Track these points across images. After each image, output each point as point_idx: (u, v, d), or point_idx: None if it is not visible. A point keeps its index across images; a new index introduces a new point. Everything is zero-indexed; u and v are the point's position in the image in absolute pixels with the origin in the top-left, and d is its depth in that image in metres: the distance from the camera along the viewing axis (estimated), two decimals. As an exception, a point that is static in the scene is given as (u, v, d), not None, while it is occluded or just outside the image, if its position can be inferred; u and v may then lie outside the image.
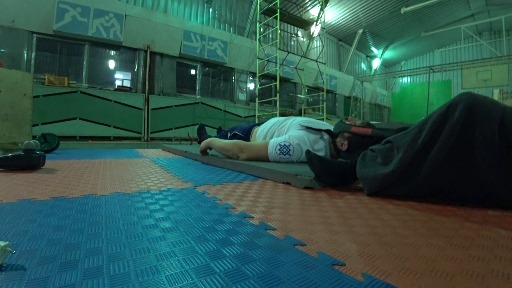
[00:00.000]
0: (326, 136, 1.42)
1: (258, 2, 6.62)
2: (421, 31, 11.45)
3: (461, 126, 0.66)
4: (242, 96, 7.49)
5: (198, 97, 6.65)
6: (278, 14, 6.12)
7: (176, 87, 6.25)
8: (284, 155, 1.36)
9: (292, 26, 8.63)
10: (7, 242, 0.38)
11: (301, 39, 9.39)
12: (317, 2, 8.24)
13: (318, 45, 9.54)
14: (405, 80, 14.55)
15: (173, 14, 6.42)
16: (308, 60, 7.63)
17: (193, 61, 6.57)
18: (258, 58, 6.50)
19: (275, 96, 6.53)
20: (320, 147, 1.39)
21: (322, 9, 7.69)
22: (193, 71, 6.75)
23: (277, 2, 6.10)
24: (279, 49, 6.04)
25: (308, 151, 0.97)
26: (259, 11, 6.63)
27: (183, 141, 4.74)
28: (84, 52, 5.22)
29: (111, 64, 5.65)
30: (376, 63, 13.94)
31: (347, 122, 1.21)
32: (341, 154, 1.23)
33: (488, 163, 0.64)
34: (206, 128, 2.74)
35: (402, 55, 14.19)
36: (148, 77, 5.69)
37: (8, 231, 0.51)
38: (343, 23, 10.17)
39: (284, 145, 1.36)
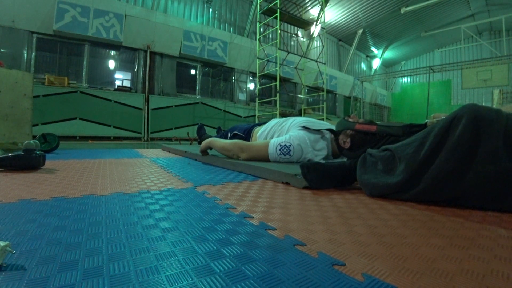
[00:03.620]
0: (327, 135, 1.42)
1: (258, 2, 6.62)
2: (421, 31, 11.45)
3: (465, 141, 0.66)
4: (242, 96, 7.49)
5: (198, 97, 6.65)
6: (278, 14, 6.12)
7: (176, 87, 6.25)
8: (285, 155, 1.36)
9: (292, 26, 8.63)
10: (7, 242, 0.38)
11: (301, 39, 9.39)
12: (317, 2, 8.24)
13: (318, 45, 9.54)
14: (405, 80, 14.55)
15: (173, 14, 6.42)
16: (308, 60, 7.63)
17: (193, 61, 6.57)
18: (258, 58, 6.50)
19: (275, 96, 6.53)
20: (322, 147, 1.39)
21: (322, 9, 7.69)
22: (193, 71, 6.75)
23: (277, 2, 6.10)
24: (279, 49, 6.04)
25: (301, 166, 0.95)
26: (259, 11, 6.63)
27: (183, 141, 4.74)
28: (84, 52, 5.22)
29: (111, 64, 5.65)
30: (376, 63, 13.94)
31: (350, 119, 1.21)
32: (343, 152, 1.23)
33: (493, 176, 0.64)
34: (206, 128, 2.74)
35: (402, 55, 14.19)
36: (148, 77, 5.69)
37: (8, 231, 0.51)
38: (343, 23, 10.17)
39: (285, 145, 1.36)
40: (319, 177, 0.94)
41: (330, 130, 1.33)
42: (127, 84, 5.66)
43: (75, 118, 4.80)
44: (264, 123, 1.81)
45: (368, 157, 0.90)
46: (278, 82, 5.92)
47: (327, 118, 7.35)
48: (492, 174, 0.64)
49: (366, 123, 1.13)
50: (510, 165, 0.63)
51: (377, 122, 1.13)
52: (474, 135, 0.66)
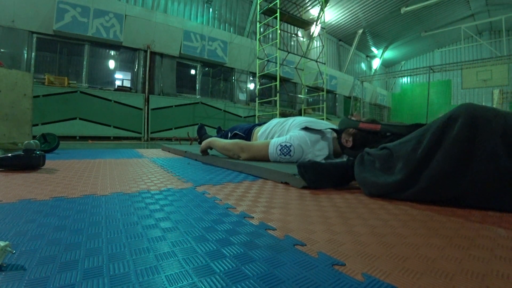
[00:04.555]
0: (329, 134, 1.42)
1: (258, 2, 6.62)
2: (421, 31, 11.45)
3: (462, 139, 0.66)
4: (242, 96, 7.49)
5: (198, 97, 6.65)
6: (278, 14, 6.12)
7: (176, 87, 6.25)
8: (285, 155, 1.36)
9: (292, 26, 8.63)
10: (7, 242, 0.38)
11: (301, 39, 9.39)
12: (317, 2, 8.24)
13: (318, 45, 9.54)
14: (405, 80, 14.55)
15: (173, 14, 6.41)
16: (308, 60, 7.63)
17: (193, 61, 6.57)
18: (258, 58, 6.50)
19: (275, 96, 6.53)
20: (322, 147, 1.39)
21: (322, 9, 7.69)
22: (193, 71, 6.75)
23: (277, 2, 6.10)
24: (279, 49, 6.04)
25: (298, 166, 0.95)
26: (259, 11, 6.63)
27: (183, 141, 4.74)
28: (84, 52, 5.22)
29: (111, 64, 5.65)
30: (376, 63, 13.94)
31: (353, 118, 1.21)
32: (346, 151, 1.23)
33: (491, 174, 0.64)
34: (206, 128, 2.74)
35: (402, 55, 14.18)
36: (148, 77, 5.69)
37: (8, 231, 0.51)
38: (343, 23, 10.17)
39: (285, 145, 1.36)
40: (317, 176, 0.94)
41: (332, 129, 1.33)
42: (127, 84, 5.65)
43: (75, 118, 4.80)
44: (265, 123, 1.81)
45: (366, 156, 0.90)
46: (278, 82, 5.92)
47: (327, 118, 7.35)
48: (491, 172, 0.64)
49: (370, 122, 1.13)
50: (509, 164, 0.63)
51: (380, 122, 1.14)
52: (472, 134, 0.65)
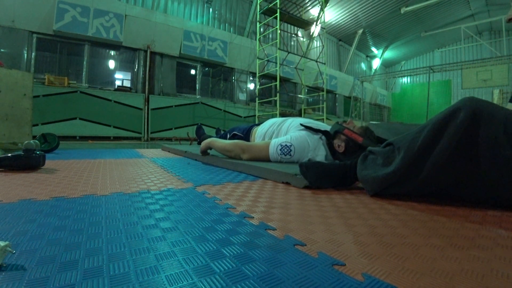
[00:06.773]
0: (323, 136, 1.43)
1: (258, 2, 6.62)
2: (421, 31, 11.45)
3: (465, 128, 0.66)
4: (242, 96, 7.49)
5: (198, 97, 6.65)
6: (278, 14, 6.12)
7: (176, 87, 6.25)
8: (285, 155, 1.36)
9: (292, 26, 8.63)
10: (7, 242, 0.38)
11: (301, 39, 9.39)
12: (317, 2, 8.24)
13: (318, 45, 9.54)
14: (405, 80, 14.55)
15: (173, 14, 6.41)
16: (308, 60, 7.63)
17: (193, 61, 6.57)
18: (258, 58, 6.50)
19: (275, 96, 6.53)
20: (321, 147, 1.39)
21: (322, 9, 7.69)
22: (193, 71, 6.75)
23: (277, 2, 6.10)
24: (279, 49, 6.04)
25: (300, 165, 0.97)
26: (259, 11, 6.63)
27: (183, 141, 4.74)
28: (84, 52, 5.22)
29: (111, 64, 5.64)
30: (376, 63, 13.94)
31: (344, 124, 1.22)
32: (337, 156, 1.24)
33: (492, 163, 0.65)
34: (206, 128, 2.74)
35: (402, 55, 14.18)
36: (148, 77, 5.69)
37: (8, 231, 0.51)
38: (343, 23, 10.17)
39: (286, 145, 1.36)
40: (319, 175, 0.94)
41: (325, 132, 1.34)
42: (127, 84, 5.65)
43: (75, 118, 4.80)
44: (263, 122, 1.81)
45: (369, 155, 0.90)
46: (278, 82, 5.92)
47: (327, 118, 7.35)
48: (493, 161, 0.65)
49: (358, 132, 1.15)
50: (510, 153, 0.64)
51: (374, 123, 1.15)
52: (475, 122, 0.66)
